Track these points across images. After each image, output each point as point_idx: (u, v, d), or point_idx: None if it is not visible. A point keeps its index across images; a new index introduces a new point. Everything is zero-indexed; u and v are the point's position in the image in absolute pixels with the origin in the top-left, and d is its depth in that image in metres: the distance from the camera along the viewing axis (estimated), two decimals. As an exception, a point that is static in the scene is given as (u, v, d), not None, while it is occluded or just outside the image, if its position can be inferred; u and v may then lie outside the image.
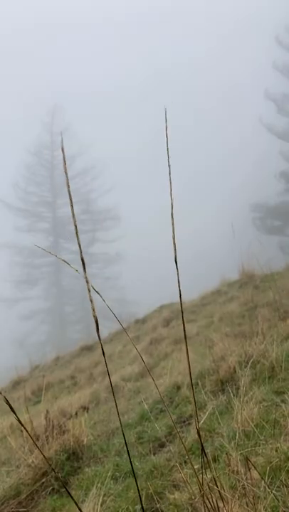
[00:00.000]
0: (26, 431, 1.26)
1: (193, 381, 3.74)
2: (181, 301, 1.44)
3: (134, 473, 1.45)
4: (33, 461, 3.04)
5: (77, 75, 49.52)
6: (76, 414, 4.34)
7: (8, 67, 49.20)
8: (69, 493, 1.12)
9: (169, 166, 1.43)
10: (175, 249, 1.36)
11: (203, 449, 1.43)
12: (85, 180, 36.72)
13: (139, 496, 1.40)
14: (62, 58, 50.40)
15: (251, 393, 2.96)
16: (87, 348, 9.63)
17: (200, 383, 3.63)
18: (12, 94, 47.59)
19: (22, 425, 1.34)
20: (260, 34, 30.23)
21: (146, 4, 52.23)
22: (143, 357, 6.21)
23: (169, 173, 1.41)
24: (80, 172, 36.58)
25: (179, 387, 3.95)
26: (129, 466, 2.81)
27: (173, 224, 1.37)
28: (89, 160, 35.42)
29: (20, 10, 52.77)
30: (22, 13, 52.59)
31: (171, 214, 1.39)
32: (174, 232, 1.38)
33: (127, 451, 1.47)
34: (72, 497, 1.13)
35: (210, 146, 44.79)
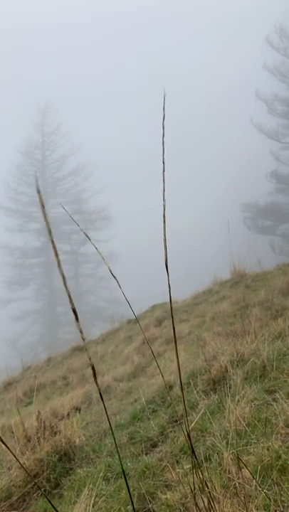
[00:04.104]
0: (3, 443, 1.25)
1: (185, 380, 3.74)
2: (171, 305, 1.44)
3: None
4: (24, 463, 3.02)
5: (73, 74, 49.35)
6: (68, 415, 4.32)
7: (3, 66, 48.87)
8: (49, 500, 1.10)
9: (163, 162, 1.40)
10: (166, 254, 1.34)
11: (193, 451, 1.43)
12: (76, 180, 36.63)
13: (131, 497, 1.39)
14: (59, 58, 50.17)
15: (243, 392, 2.97)
16: (79, 349, 9.60)
17: (192, 382, 3.63)
18: (4, 93, 47.26)
19: (2, 441, 1.32)
20: (259, 34, 30.36)
21: (146, 4, 52.20)
22: (135, 357, 6.21)
23: (163, 171, 1.39)
24: (72, 172, 36.48)
25: (171, 387, 3.95)
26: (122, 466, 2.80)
27: (164, 227, 1.35)
28: (84, 160, 35.32)
29: (15, 7, 52.41)
30: (17, 9, 52.23)
31: (163, 215, 1.37)
32: (165, 236, 1.36)
33: (118, 450, 1.46)
34: (51, 503, 1.12)
35: (206, 146, 44.93)
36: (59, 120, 36.56)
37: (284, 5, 29.72)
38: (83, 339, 1.09)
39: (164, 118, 1.38)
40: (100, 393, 1.04)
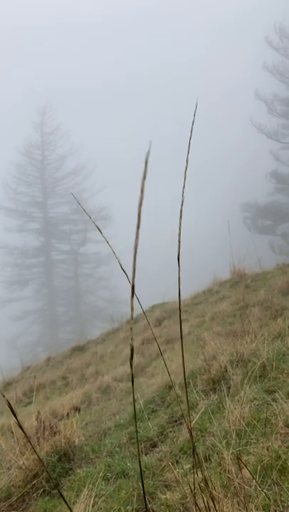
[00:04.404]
0: (22, 430, 1.25)
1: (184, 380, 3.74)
2: (180, 300, 1.44)
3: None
4: (23, 463, 3.02)
5: (73, 74, 49.33)
6: (68, 415, 4.32)
7: (3, 66, 48.85)
8: (60, 493, 1.10)
9: (187, 161, 1.40)
10: (179, 247, 1.34)
11: (194, 450, 1.43)
12: (76, 180, 36.61)
13: (144, 492, 1.39)
14: (59, 58, 50.14)
15: (242, 392, 2.97)
16: (79, 349, 9.60)
17: (192, 382, 3.63)
18: (4, 93, 47.23)
19: (20, 426, 1.32)
20: (259, 34, 30.35)
21: (146, 4, 52.16)
22: (135, 357, 6.21)
23: (186, 169, 1.39)
24: (71, 172, 36.46)
25: (170, 387, 3.95)
26: (121, 466, 2.80)
27: (180, 222, 1.35)
28: (84, 159, 35.29)
29: (15, 7, 52.37)
30: (17, 9, 52.19)
31: (180, 211, 1.37)
32: (180, 229, 1.36)
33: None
34: (63, 497, 1.12)
35: (206, 146, 44.91)
36: (59, 120, 36.56)
37: (284, 5, 29.71)
38: (132, 318, 1.07)
39: (193, 123, 1.39)
40: (132, 370, 1.03)
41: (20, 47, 50.64)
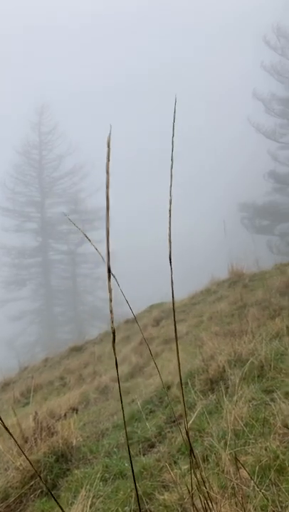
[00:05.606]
0: (12, 437, 1.23)
1: (183, 380, 3.72)
2: (173, 300, 1.43)
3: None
4: (21, 464, 3.00)
5: (73, 74, 49.33)
6: (65, 415, 4.30)
7: (2, 66, 48.80)
8: (53, 496, 1.09)
9: (172, 159, 1.39)
10: (170, 248, 1.34)
11: (192, 450, 1.42)
12: (74, 180, 36.56)
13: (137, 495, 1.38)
14: (59, 58, 50.12)
15: (241, 392, 2.96)
16: (77, 349, 9.59)
17: (190, 383, 3.62)
18: (3, 93, 47.18)
19: (9, 432, 1.31)
20: (259, 34, 30.34)
21: (146, 4, 52.13)
22: (133, 357, 6.20)
23: (171, 168, 1.38)
24: (69, 172, 36.41)
25: (168, 387, 3.94)
26: (119, 467, 2.79)
27: (170, 222, 1.34)
28: (83, 159, 35.28)
29: (14, 7, 52.32)
30: (17, 10, 52.15)
31: (169, 210, 1.37)
32: (170, 230, 1.35)
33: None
34: (55, 499, 1.11)
35: (206, 146, 44.92)
36: (58, 120, 36.54)
37: (283, 5, 29.72)
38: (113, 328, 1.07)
39: (174, 120, 1.38)
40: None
41: (20, 47, 50.62)
